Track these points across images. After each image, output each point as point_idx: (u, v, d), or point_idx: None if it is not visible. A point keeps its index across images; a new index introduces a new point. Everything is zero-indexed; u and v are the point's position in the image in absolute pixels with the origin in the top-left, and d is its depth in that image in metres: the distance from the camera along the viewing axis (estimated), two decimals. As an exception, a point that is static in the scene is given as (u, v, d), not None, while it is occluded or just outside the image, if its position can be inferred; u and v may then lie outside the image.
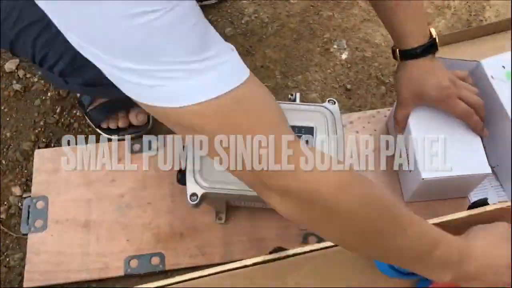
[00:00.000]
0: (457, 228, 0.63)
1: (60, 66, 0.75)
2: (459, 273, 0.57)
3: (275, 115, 0.48)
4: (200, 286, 0.65)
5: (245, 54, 1.02)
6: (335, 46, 1.02)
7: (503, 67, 0.83)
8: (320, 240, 0.77)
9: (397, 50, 0.75)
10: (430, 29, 0.74)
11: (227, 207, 0.84)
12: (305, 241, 0.83)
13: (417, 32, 0.73)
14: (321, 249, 0.67)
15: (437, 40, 0.73)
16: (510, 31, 0.93)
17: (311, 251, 0.67)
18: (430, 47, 0.73)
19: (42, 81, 1.01)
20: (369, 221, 0.50)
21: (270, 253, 0.69)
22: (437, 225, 0.59)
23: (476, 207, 0.71)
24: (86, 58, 0.43)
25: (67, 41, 0.43)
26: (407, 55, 0.74)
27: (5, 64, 1.03)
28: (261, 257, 0.67)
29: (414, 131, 0.80)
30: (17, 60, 1.03)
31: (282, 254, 0.67)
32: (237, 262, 0.66)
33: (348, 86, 0.97)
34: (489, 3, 1.06)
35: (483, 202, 0.72)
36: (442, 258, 0.55)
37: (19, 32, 0.73)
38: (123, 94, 0.46)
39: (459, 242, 0.58)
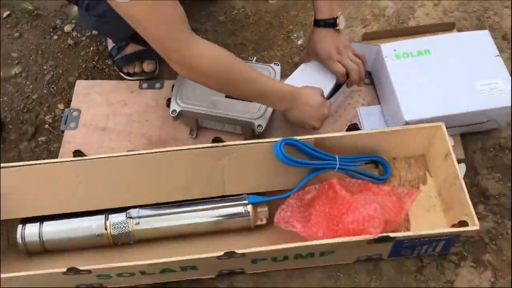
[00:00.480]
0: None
1: (86, 1, 1.14)
2: (289, 105, 1.05)
3: (178, 15, 0.90)
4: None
5: (230, 34, 1.43)
6: (294, 35, 1.42)
7: (394, 50, 1.21)
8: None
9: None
10: (339, 13, 1.13)
11: (197, 127, 1.23)
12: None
13: (326, 10, 1.11)
14: (245, 144, 1.06)
15: (338, 21, 1.12)
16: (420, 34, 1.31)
17: (239, 144, 1.06)
18: (330, 23, 1.12)
19: (88, 40, 1.44)
20: (224, 76, 0.98)
21: (212, 141, 1.09)
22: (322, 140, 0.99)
23: (351, 130, 1.09)
24: None
25: None
26: (316, 23, 1.13)
27: (64, 26, 1.48)
28: (207, 144, 1.07)
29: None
30: (73, 25, 1.47)
31: (220, 144, 1.06)
32: (192, 145, 1.06)
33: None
34: (413, 15, 1.44)
35: (355, 127, 1.10)
36: (279, 95, 1.03)
37: None
38: (125, 31, 0.88)
39: (291, 87, 1.05)
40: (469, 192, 1.11)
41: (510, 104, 1.13)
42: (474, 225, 0.95)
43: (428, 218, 1.09)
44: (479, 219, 1.09)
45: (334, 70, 1.15)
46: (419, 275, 1.06)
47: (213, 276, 1.06)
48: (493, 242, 1.10)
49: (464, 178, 1.15)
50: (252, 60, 1.24)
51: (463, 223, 0.98)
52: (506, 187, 1.16)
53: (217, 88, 1.04)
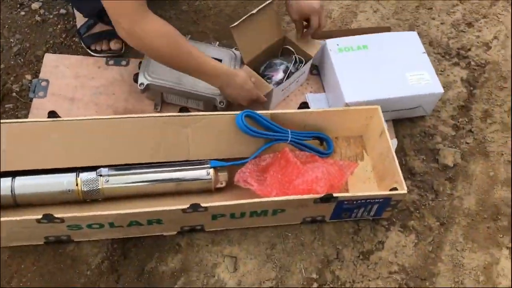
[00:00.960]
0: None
1: None
2: (223, 83, 1.18)
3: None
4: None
5: (193, 23, 1.55)
6: (251, 28, 1.57)
7: (337, 44, 1.39)
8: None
9: None
10: None
11: (162, 101, 1.34)
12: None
13: None
14: (209, 114, 1.19)
15: None
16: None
17: (204, 114, 1.18)
18: None
19: (55, 18, 1.51)
20: (166, 50, 1.11)
21: (179, 111, 1.20)
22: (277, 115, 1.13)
23: (301, 108, 1.25)
24: None
25: None
26: None
27: (31, 4, 1.54)
28: (174, 113, 1.18)
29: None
30: (41, 3, 1.54)
31: (186, 113, 1.18)
32: (161, 113, 1.17)
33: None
34: (356, 19, 1.63)
35: (305, 106, 1.26)
36: (214, 73, 1.17)
37: None
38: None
39: (227, 68, 1.20)
40: (398, 169, 1.30)
41: (433, 92, 1.33)
42: (403, 190, 1.13)
43: (364, 188, 1.26)
44: (407, 193, 1.29)
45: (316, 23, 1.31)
46: (356, 237, 1.22)
47: (174, 232, 1.16)
48: (417, 211, 1.29)
49: (394, 157, 1.34)
50: (214, 45, 1.37)
51: (394, 189, 1.16)
52: (428, 166, 1.36)
53: (159, 59, 1.15)
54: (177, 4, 1.59)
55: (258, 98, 1.26)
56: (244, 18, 1.25)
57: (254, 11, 1.25)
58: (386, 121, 1.38)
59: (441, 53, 1.60)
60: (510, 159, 1.39)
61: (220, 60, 1.31)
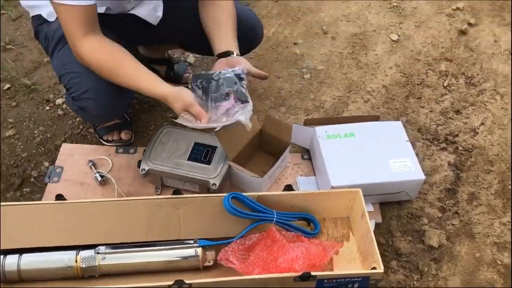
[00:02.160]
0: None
1: (72, 95, 1.39)
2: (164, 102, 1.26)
3: (76, 21, 1.20)
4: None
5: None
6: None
7: (326, 132, 1.50)
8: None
9: None
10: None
11: (162, 185, 1.47)
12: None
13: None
14: (200, 197, 1.30)
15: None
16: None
17: (194, 197, 1.30)
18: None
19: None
20: (105, 72, 1.25)
21: (173, 194, 1.32)
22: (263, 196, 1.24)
23: (287, 190, 1.34)
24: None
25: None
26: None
27: (56, 99, 1.74)
28: (168, 195, 1.30)
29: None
30: (64, 99, 1.74)
31: (179, 195, 1.30)
32: (155, 196, 1.28)
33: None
34: (347, 108, 1.76)
35: (290, 188, 1.35)
36: (153, 95, 1.29)
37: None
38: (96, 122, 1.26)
39: (164, 92, 1.26)
40: (385, 250, 1.37)
41: (415, 178, 1.41)
42: (380, 269, 1.18)
43: (349, 268, 1.31)
44: (391, 272, 1.34)
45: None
46: (340, 316, 1.26)
47: (164, 308, 1.23)
48: (402, 291, 1.32)
49: (380, 239, 1.41)
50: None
51: (373, 269, 1.21)
52: (415, 247, 1.41)
53: (105, 77, 1.28)
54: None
55: (198, 115, 1.25)
56: (227, 122, 1.36)
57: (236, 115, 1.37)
58: (373, 203, 1.46)
59: (430, 139, 1.69)
60: (495, 241, 1.42)
61: (215, 148, 1.44)
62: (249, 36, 1.45)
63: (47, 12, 1.36)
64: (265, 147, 1.55)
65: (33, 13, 1.41)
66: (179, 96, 1.25)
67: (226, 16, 1.42)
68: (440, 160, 1.63)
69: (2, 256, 1.21)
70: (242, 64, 1.31)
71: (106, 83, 1.30)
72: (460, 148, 1.66)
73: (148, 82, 1.27)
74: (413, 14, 2.18)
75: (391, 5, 2.22)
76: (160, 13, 1.46)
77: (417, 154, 1.49)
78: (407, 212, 1.49)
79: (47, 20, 1.37)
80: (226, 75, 1.27)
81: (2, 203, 1.25)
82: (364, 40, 2.04)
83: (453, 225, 1.46)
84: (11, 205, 1.27)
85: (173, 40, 1.64)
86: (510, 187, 1.55)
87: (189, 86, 1.29)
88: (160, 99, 1.28)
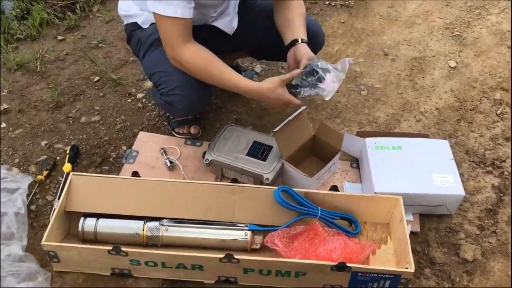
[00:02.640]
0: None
1: (161, 90, 1.62)
2: (257, 98, 1.51)
3: (176, 32, 1.40)
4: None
5: (258, 117, 1.89)
6: (306, 125, 1.86)
7: (375, 143, 1.63)
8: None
9: None
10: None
11: (221, 175, 1.64)
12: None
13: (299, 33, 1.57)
14: (254, 187, 1.46)
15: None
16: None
17: (249, 186, 1.46)
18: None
19: (152, 106, 1.93)
20: (201, 72, 1.46)
21: (232, 181, 1.49)
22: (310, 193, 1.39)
23: (332, 190, 1.48)
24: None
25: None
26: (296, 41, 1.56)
27: (137, 94, 1.98)
28: (227, 183, 1.47)
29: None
30: (144, 93, 1.97)
31: (235, 184, 1.46)
32: (215, 182, 1.46)
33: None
34: (399, 125, 1.87)
35: (335, 189, 1.49)
36: (247, 93, 1.50)
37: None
38: (179, 115, 1.50)
39: (258, 88, 1.46)
40: (420, 258, 1.48)
41: (455, 193, 1.50)
42: (411, 269, 1.29)
43: (383, 268, 1.42)
44: (424, 278, 1.44)
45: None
46: (370, 310, 1.37)
47: (212, 282, 1.39)
48: (433, 296, 1.41)
49: (417, 247, 1.51)
50: (270, 135, 1.67)
51: (405, 269, 1.32)
52: (449, 258, 1.49)
53: (198, 78, 1.48)
54: (249, 103, 1.95)
55: (290, 102, 1.48)
56: (283, 123, 1.54)
57: (291, 117, 1.55)
58: (413, 214, 1.57)
59: (476, 162, 1.77)
60: (530, 261, 1.48)
61: (271, 147, 1.61)
62: (311, 41, 1.62)
63: (142, 20, 1.59)
64: (317, 152, 1.69)
65: (128, 21, 1.64)
66: (271, 86, 1.46)
67: (296, 14, 1.62)
68: (484, 182, 1.70)
69: (82, 218, 1.43)
70: (305, 55, 1.50)
71: (192, 83, 1.51)
72: (505, 172, 1.73)
73: (241, 80, 1.49)
74: (474, 44, 2.26)
75: (453, 34, 2.31)
76: (235, 24, 1.66)
77: (461, 174, 1.57)
78: (445, 226, 1.57)
79: (141, 27, 1.60)
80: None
81: (87, 174, 1.47)
82: (423, 64, 2.15)
83: (490, 243, 1.53)
84: (95, 176, 1.49)
85: (245, 48, 1.83)
86: (552, 214, 1.60)
87: None
88: (255, 95, 1.50)
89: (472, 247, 1.51)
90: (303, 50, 1.53)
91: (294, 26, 1.59)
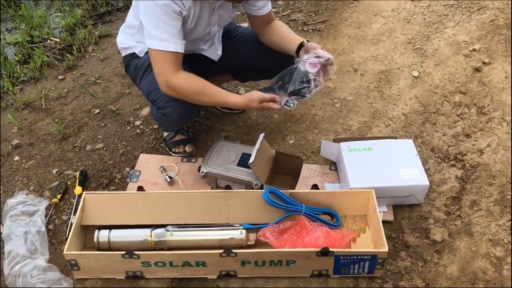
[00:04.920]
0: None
1: (158, 104, 1.83)
2: (241, 107, 1.81)
3: (168, 62, 1.63)
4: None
5: (245, 134, 2.11)
6: (288, 137, 2.09)
7: (348, 146, 1.85)
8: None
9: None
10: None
11: (216, 185, 1.85)
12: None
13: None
14: (245, 191, 1.67)
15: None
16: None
17: (241, 191, 1.67)
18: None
19: (150, 131, 2.14)
20: (194, 95, 1.69)
21: (225, 188, 1.70)
22: (294, 193, 1.61)
23: (313, 189, 1.69)
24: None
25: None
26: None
27: (135, 121, 2.20)
28: (221, 190, 1.68)
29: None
30: (141, 121, 2.19)
31: (228, 190, 1.67)
32: (211, 190, 1.67)
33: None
34: (370, 131, 2.10)
35: (316, 187, 1.70)
36: (236, 105, 1.71)
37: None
38: (172, 128, 1.76)
39: (243, 100, 1.69)
40: (395, 243, 1.69)
41: (421, 184, 1.72)
42: (385, 248, 1.50)
43: (363, 253, 1.63)
44: (400, 260, 1.64)
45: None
46: (354, 290, 1.57)
47: (214, 276, 1.59)
48: (408, 274, 1.61)
49: (392, 234, 1.72)
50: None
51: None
52: (421, 241, 1.70)
53: (190, 100, 1.70)
54: (236, 122, 2.17)
55: (269, 108, 1.70)
56: (254, 153, 1.72)
57: (258, 146, 1.75)
58: (387, 205, 1.78)
59: (441, 157, 1.99)
60: (490, 238, 1.69)
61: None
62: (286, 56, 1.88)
63: (139, 50, 1.83)
64: (281, 169, 1.88)
65: (125, 53, 1.88)
66: (251, 98, 1.69)
67: (285, 30, 1.90)
68: (448, 174, 1.93)
69: (97, 230, 1.62)
70: (316, 49, 1.74)
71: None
72: (467, 165, 1.96)
73: (229, 96, 1.73)
74: (434, 55, 2.52)
75: (415, 47, 2.57)
76: (220, 52, 1.90)
77: (428, 169, 1.80)
78: (416, 214, 1.79)
79: (138, 56, 1.83)
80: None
81: (99, 192, 1.68)
82: (389, 76, 2.40)
83: (455, 225, 1.75)
84: (105, 193, 1.69)
85: (229, 70, 2.08)
86: (509, 197, 1.82)
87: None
88: (242, 106, 1.72)
89: (440, 230, 1.72)
90: (312, 46, 1.77)
91: (291, 36, 1.86)
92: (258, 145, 1.75)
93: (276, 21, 1.92)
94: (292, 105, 1.68)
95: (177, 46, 1.62)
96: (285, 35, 1.88)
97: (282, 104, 1.68)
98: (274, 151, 1.89)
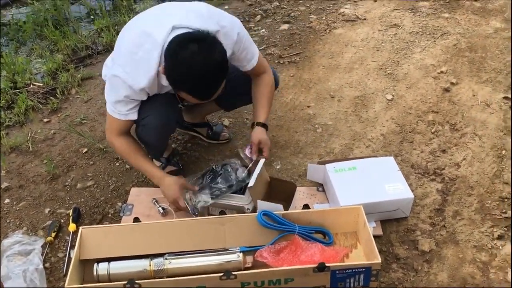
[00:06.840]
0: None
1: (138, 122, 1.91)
2: (155, 183, 1.84)
3: (114, 126, 1.84)
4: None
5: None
6: (274, 163, 2.16)
7: (334, 167, 1.94)
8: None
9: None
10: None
11: (208, 214, 1.89)
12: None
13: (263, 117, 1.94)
14: (239, 215, 1.72)
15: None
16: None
17: (235, 216, 1.72)
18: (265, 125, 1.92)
19: (139, 166, 2.19)
20: (126, 157, 1.92)
21: (219, 214, 1.75)
22: (287, 214, 1.68)
23: (305, 208, 1.76)
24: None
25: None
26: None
27: (124, 158, 2.24)
28: (216, 216, 1.73)
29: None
30: (129, 157, 2.24)
31: (224, 215, 1.72)
32: (205, 217, 1.72)
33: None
34: (352, 153, 2.20)
35: (307, 207, 1.77)
36: (152, 178, 1.90)
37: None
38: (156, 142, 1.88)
39: (161, 177, 1.88)
40: (386, 256, 1.75)
41: (406, 197, 1.81)
42: (378, 260, 1.56)
43: (357, 267, 1.69)
44: (392, 272, 1.71)
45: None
46: (352, 303, 1.62)
47: (216, 300, 1.62)
48: (401, 285, 1.67)
49: (383, 248, 1.78)
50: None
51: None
52: (410, 253, 1.77)
53: (120, 156, 1.97)
54: (223, 152, 2.24)
55: (176, 203, 1.84)
56: (255, 177, 1.79)
57: (258, 170, 1.83)
58: (375, 221, 1.85)
59: (421, 173, 2.09)
60: (475, 244, 1.78)
61: (247, 183, 1.89)
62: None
63: None
64: (274, 194, 1.93)
65: None
66: (170, 178, 1.88)
67: (264, 93, 1.99)
68: (430, 188, 2.02)
69: (96, 264, 1.64)
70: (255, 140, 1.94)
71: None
72: (446, 178, 2.06)
73: (152, 167, 1.90)
74: (404, 79, 2.66)
75: (386, 73, 2.71)
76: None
77: (410, 184, 1.90)
78: (403, 228, 1.87)
79: None
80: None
81: (95, 226, 1.70)
82: (364, 100, 2.52)
83: (441, 235, 1.83)
84: (101, 226, 1.72)
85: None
86: (488, 205, 1.92)
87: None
88: (156, 179, 1.89)
89: (428, 241, 1.80)
90: (256, 135, 1.95)
91: (258, 107, 2.00)
92: (258, 170, 1.82)
93: (262, 78, 1.99)
94: (201, 202, 1.83)
95: (125, 117, 1.80)
96: (256, 101, 2.00)
97: (195, 200, 1.84)
98: (269, 177, 1.95)
